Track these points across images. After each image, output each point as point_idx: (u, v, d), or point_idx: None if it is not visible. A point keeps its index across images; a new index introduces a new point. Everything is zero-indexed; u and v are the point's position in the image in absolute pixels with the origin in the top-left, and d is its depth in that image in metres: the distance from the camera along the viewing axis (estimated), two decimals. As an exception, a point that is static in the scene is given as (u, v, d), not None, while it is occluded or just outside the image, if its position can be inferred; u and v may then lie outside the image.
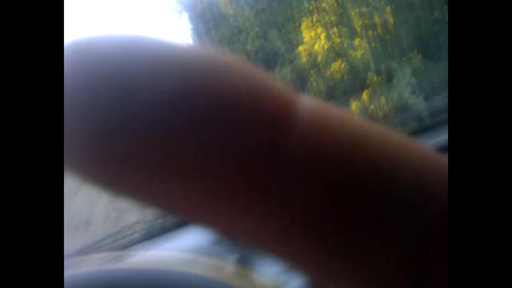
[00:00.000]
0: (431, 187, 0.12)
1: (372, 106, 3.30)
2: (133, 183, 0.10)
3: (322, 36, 4.16)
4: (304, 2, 4.67)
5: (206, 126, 0.09)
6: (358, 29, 3.82)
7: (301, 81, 4.55)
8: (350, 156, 0.10)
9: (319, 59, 4.19)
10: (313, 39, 4.25)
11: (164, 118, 0.09)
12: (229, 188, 0.09)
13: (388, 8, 3.68)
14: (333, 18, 4.20)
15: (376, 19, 3.73)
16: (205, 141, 0.09)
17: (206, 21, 6.06)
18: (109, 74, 0.09)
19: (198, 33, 6.45)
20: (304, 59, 4.30)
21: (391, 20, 3.65)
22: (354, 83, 3.78)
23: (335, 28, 4.07)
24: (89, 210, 4.29)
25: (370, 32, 3.67)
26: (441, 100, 2.10)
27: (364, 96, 3.46)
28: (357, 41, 3.75)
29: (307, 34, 4.37)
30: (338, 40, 4.01)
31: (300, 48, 4.33)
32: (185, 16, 6.72)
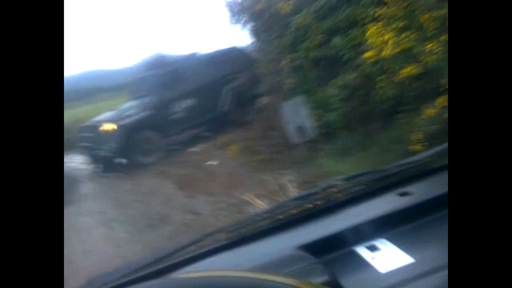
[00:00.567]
0: None
1: (446, 114, 3.26)
2: None
3: (390, 42, 4.16)
4: (369, 8, 4.70)
5: None
6: (430, 34, 3.78)
7: (367, 88, 4.58)
8: None
9: (387, 65, 4.20)
10: (380, 45, 4.27)
11: None
12: None
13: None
14: (401, 23, 4.19)
15: (450, 22, 3.67)
16: None
17: (269, 30, 6.32)
18: None
19: (260, 42, 6.73)
20: (370, 66, 4.33)
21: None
22: (427, 89, 3.75)
23: (404, 34, 4.06)
24: (165, 210, 4.72)
25: (443, 37, 3.62)
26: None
27: (438, 103, 3.42)
28: (428, 46, 3.71)
29: (373, 40, 4.39)
30: (409, 46, 4.00)
31: (366, 54, 4.37)
32: (244, 22, 7.06)
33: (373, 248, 0.79)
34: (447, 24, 3.62)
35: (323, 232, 0.84)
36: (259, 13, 6.36)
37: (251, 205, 3.99)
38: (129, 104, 7.49)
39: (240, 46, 7.80)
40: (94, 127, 6.96)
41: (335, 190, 1.14)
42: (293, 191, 3.74)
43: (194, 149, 6.94)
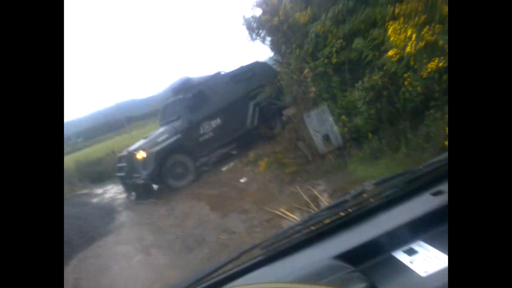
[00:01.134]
0: None
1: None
2: None
3: (413, 37, 4.07)
4: (388, 6, 4.64)
5: None
6: (454, 23, 3.66)
7: (393, 87, 4.46)
8: None
9: (412, 61, 4.09)
10: (403, 42, 4.18)
11: None
12: None
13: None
14: (423, 17, 4.09)
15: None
16: None
17: (288, 41, 6.38)
18: None
19: (281, 54, 6.80)
20: (395, 64, 4.23)
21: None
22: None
23: (426, 27, 3.95)
24: (200, 232, 4.79)
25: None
26: None
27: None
28: (454, 36, 3.58)
29: (395, 38, 4.31)
30: (433, 38, 3.89)
31: (390, 53, 4.29)
32: (263, 37, 7.17)
33: (411, 252, 0.78)
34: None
35: (358, 240, 0.85)
36: (277, 25, 6.45)
37: (284, 219, 3.97)
38: (160, 130, 7.78)
39: (262, 61, 7.92)
40: (128, 157, 7.27)
41: (366, 196, 1.13)
42: (325, 201, 3.68)
43: (225, 168, 7.04)
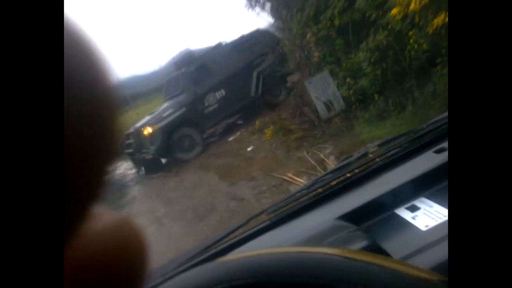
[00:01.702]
0: None
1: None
2: None
3: (418, -8, 3.97)
4: (391, -40, 4.50)
5: None
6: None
7: (399, 46, 4.41)
8: None
9: (417, 18, 4.02)
10: (407, -2, 4.09)
11: None
12: None
13: None
14: (427, -31, 3.97)
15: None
16: None
17: (289, 6, 6.26)
18: None
19: (282, 20, 6.69)
20: (399, 22, 4.16)
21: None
22: (463, 35, 3.55)
23: (431, -20, 3.85)
24: (210, 201, 4.94)
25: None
26: None
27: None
28: (460, -12, 3.50)
29: (399, -6, 4.21)
30: (438, -8, 3.79)
31: (393, 11, 4.20)
32: (262, 3, 7.03)
33: (413, 208, 0.80)
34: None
35: (361, 200, 0.86)
36: (277, -11, 6.32)
37: (291, 184, 4.06)
38: (165, 105, 7.83)
39: (263, 28, 7.81)
40: (135, 133, 7.38)
41: (371, 157, 1.15)
42: (332, 164, 3.75)
43: (231, 138, 7.13)
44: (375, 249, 0.68)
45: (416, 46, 3.89)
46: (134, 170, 8.01)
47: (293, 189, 3.84)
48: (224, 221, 4.14)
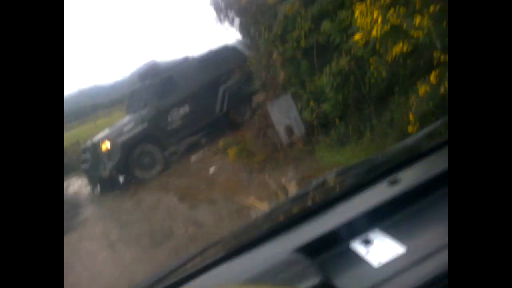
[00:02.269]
0: None
1: (442, 88, 3.23)
2: None
3: (379, 20, 4.14)
4: (356, -14, 4.68)
5: None
6: (418, 6, 3.74)
7: (360, 72, 4.56)
8: None
9: (378, 45, 4.17)
10: (370, 25, 4.24)
11: None
12: None
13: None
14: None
15: (438, -9, 3.61)
16: None
17: (257, 23, 6.34)
18: None
19: (250, 37, 6.76)
20: (362, 48, 4.31)
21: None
22: (420, 65, 3.72)
23: (392, 10, 4.02)
24: (168, 225, 4.82)
25: (432, 7, 3.58)
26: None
27: (432, 78, 3.39)
28: (418, 19, 3.67)
29: (362, 21, 4.36)
30: (397, 22, 3.97)
31: (356, 36, 4.35)
32: (232, 18, 7.09)
33: (367, 242, 0.81)
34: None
35: (318, 231, 0.87)
36: (246, 6, 6.40)
37: (253, 209, 4.05)
38: (126, 118, 7.65)
39: (231, 44, 7.87)
40: (93, 147, 7.14)
41: (328, 186, 1.18)
42: (294, 189, 3.78)
43: (194, 157, 7.04)
44: (328, 286, 0.69)
45: (375, 73, 4.03)
46: (89, 188, 7.71)
47: (254, 214, 3.82)
48: (181, 247, 4.05)
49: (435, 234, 0.72)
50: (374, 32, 4.18)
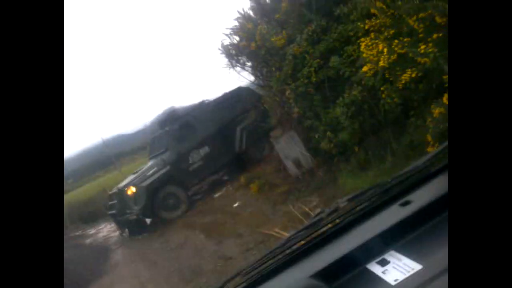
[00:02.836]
0: None
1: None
2: None
3: (385, 51, 4.27)
4: (359, 23, 4.88)
5: None
6: (421, 35, 3.87)
7: (373, 100, 4.63)
8: None
9: (387, 74, 4.28)
10: (376, 56, 4.38)
11: None
12: None
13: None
14: (392, 31, 4.31)
15: (438, 19, 3.74)
16: None
17: (268, 65, 6.58)
18: None
19: (263, 78, 6.99)
20: (371, 78, 4.41)
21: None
22: (432, 88, 3.78)
23: (396, 41, 4.16)
24: (196, 262, 4.77)
25: (435, 35, 3.70)
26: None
27: (445, 99, 3.44)
28: (422, 47, 3.78)
29: (368, 53, 4.51)
30: (403, 51, 4.09)
31: (364, 68, 4.47)
32: (243, 63, 7.37)
33: (383, 262, 0.82)
34: (435, 23, 3.71)
35: (333, 256, 0.89)
36: (255, 50, 6.66)
37: (278, 239, 4.00)
38: (149, 163, 7.81)
39: (244, 85, 8.13)
40: (119, 193, 7.25)
41: (341, 212, 1.18)
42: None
43: (217, 194, 7.07)
44: None
45: (388, 100, 4.10)
46: (117, 232, 7.75)
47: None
48: (211, 283, 3.99)
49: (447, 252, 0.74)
50: (381, 63, 4.30)
